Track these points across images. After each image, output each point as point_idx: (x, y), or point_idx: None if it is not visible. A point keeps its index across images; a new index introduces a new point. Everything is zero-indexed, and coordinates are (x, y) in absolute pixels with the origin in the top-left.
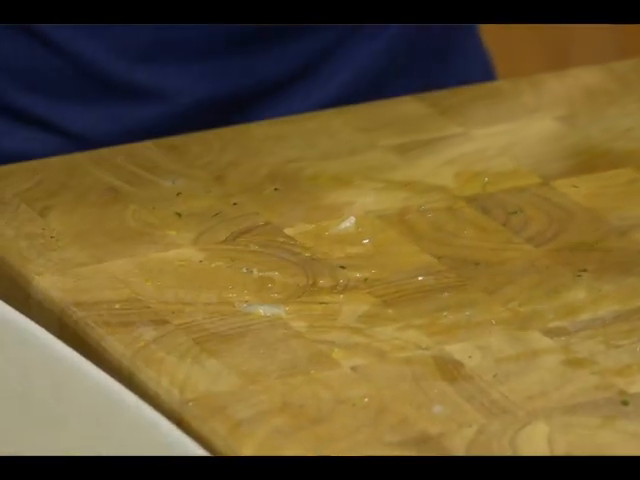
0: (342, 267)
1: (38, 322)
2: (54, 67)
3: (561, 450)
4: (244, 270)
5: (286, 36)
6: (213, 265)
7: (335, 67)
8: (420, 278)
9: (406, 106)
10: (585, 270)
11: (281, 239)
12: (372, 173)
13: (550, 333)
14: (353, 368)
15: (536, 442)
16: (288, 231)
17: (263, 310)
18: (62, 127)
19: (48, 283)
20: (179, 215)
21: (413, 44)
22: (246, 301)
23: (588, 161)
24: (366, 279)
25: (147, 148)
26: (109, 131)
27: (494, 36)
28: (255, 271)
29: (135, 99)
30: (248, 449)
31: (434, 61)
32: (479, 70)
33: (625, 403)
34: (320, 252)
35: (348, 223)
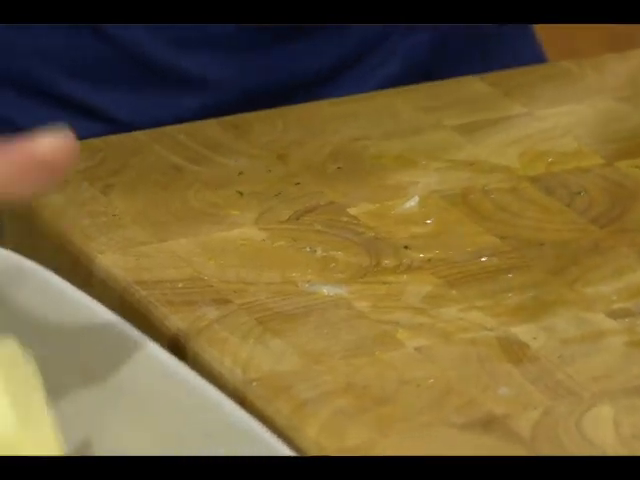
0: (405, 247)
1: (100, 300)
2: (100, 53)
3: (627, 432)
4: (307, 250)
5: (333, 27)
6: (275, 245)
7: (382, 58)
8: (484, 259)
9: (470, 86)
10: None
11: (344, 219)
12: (436, 153)
13: (614, 314)
14: (417, 349)
15: (602, 424)
16: (351, 210)
17: (326, 290)
18: (107, 114)
19: (110, 261)
20: (241, 194)
21: (462, 32)
22: (309, 281)
23: None
24: (429, 259)
25: (210, 127)
26: (155, 119)
27: None
28: (318, 251)
29: (182, 87)
30: (312, 429)
31: (485, 47)
32: (530, 54)
33: None
34: (383, 232)
35: (412, 203)
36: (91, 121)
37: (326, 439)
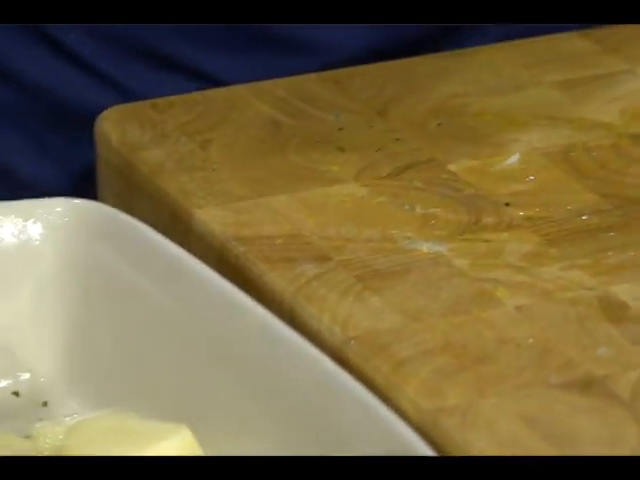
0: (506, 204)
1: (198, 256)
2: None
3: None
4: (407, 207)
5: None
6: (375, 201)
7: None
8: (584, 217)
9: (571, 42)
10: None
11: (444, 175)
12: (537, 110)
13: None
14: (517, 308)
15: None
16: (452, 167)
17: (426, 247)
18: (212, 75)
19: (209, 217)
20: (341, 150)
21: None
22: (409, 238)
23: None
24: (530, 217)
25: (309, 81)
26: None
27: None
28: (418, 208)
29: (288, 50)
30: (410, 388)
31: None
32: None
33: None
34: (484, 189)
35: (512, 160)
36: (196, 82)
37: (424, 398)
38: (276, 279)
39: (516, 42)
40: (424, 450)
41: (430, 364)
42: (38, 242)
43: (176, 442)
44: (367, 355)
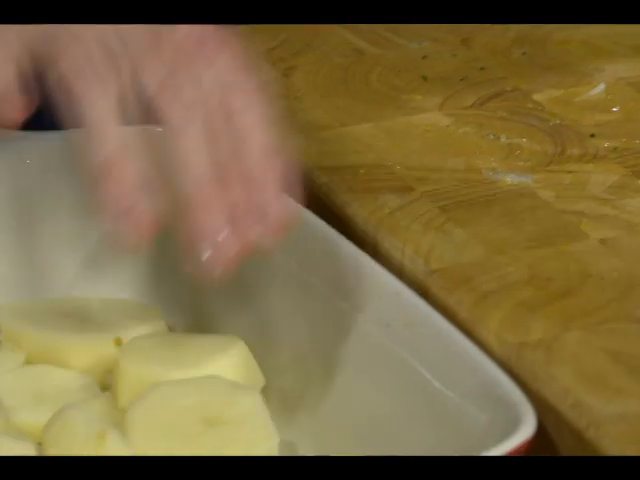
0: (591, 135)
1: None
2: None
3: None
4: (491, 137)
5: None
6: (459, 131)
7: None
8: None
9: None
10: None
11: (529, 105)
12: (623, 39)
13: None
14: (602, 240)
15: None
16: (536, 97)
17: (510, 178)
18: None
19: (292, 146)
20: (425, 79)
21: None
22: (493, 169)
23: None
24: (615, 148)
25: None
26: None
27: None
28: (503, 138)
29: None
30: (493, 322)
31: None
32: None
33: None
34: (569, 119)
35: (598, 90)
36: None
37: (508, 332)
38: (359, 210)
39: None
40: (508, 384)
41: (514, 297)
42: None
43: (232, 354)
44: (450, 288)
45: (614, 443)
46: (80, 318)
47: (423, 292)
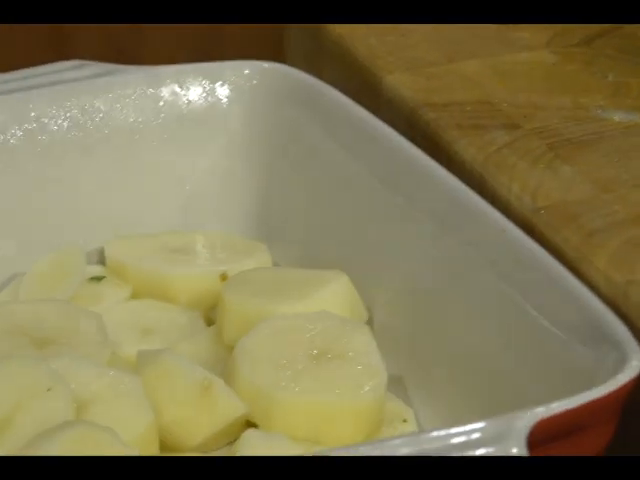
0: None
1: (387, 122)
2: None
3: None
4: (598, 75)
5: None
6: (567, 69)
7: None
8: None
9: None
10: None
11: (638, 44)
12: None
13: None
14: None
15: None
16: None
17: (618, 117)
18: None
19: (399, 82)
20: None
21: None
22: (601, 107)
23: None
24: None
25: None
26: None
27: None
28: (610, 76)
29: None
30: (601, 260)
31: None
32: None
33: None
34: None
35: None
36: None
37: (615, 270)
38: (466, 146)
39: None
40: (615, 323)
41: (621, 235)
42: (226, 104)
43: (337, 288)
44: (557, 225)
45: None
46: (185, 253)
47: (529, 230)
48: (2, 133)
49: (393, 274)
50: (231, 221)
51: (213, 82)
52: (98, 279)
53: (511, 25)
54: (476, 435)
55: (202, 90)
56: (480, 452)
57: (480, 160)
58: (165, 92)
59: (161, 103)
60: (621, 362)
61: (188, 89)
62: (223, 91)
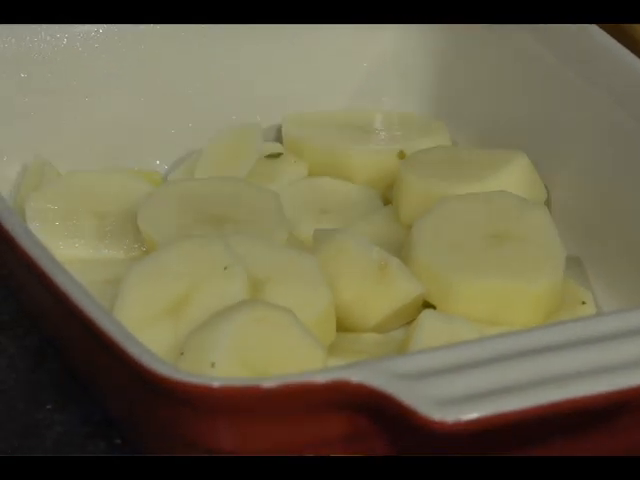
0: None
1: None
2: None
3: None
4: None
5: None
6: None
7: None
8: None
9: None
10: None
11: None
12: None
13: None
14: None
15: None
16: None
17: None
18: None
19: None
20: None
21: None
22: None
23: None
24: None
25: None
26: None
27: None
28: None
29: None
30: None
31: None
32: None
33: None
34: None
35: None
36: None
37: None
38: None
39: None
40: None
41: None
42: None
43: (516, 168)
44: None
45: None
46: (363, 130)
47: None
48: None
49: (572, 153)
50: (410, 99)
51: None
52: (275, 156)
53: None
54: None
55: None
56: None
57: None
58: None
59: None
60: None
61: None
62: None
